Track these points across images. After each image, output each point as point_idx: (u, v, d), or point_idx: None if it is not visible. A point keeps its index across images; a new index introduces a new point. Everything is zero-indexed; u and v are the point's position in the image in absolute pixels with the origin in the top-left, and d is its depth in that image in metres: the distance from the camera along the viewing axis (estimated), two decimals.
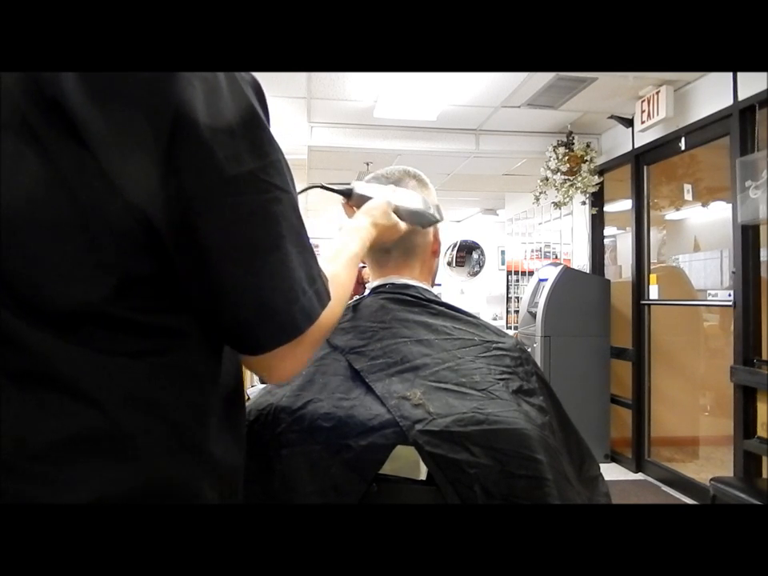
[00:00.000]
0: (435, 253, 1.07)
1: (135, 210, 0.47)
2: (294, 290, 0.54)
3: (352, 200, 0.97)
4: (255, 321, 0.53)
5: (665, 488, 3.59)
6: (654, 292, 3.79)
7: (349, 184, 0.99)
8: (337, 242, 0.81)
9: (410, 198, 0.97)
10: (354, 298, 1.05)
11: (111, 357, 0.48)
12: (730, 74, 3.00)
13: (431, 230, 1.04)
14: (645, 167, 3.88)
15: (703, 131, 3.28)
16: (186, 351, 0.53)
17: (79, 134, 0.45)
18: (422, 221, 0.99)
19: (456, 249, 7.87)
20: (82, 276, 0.47)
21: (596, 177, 4.04)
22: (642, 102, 3.51)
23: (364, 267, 1.20)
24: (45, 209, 0.45)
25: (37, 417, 0.46)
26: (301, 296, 0.55)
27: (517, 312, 5.61)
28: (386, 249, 1.02)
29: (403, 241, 1.00)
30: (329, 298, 0.60)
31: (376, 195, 0.94)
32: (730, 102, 3.02)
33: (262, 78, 0.56)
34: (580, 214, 4.62)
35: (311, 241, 0.60)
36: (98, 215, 0.46)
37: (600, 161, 4.19)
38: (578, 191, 4.06)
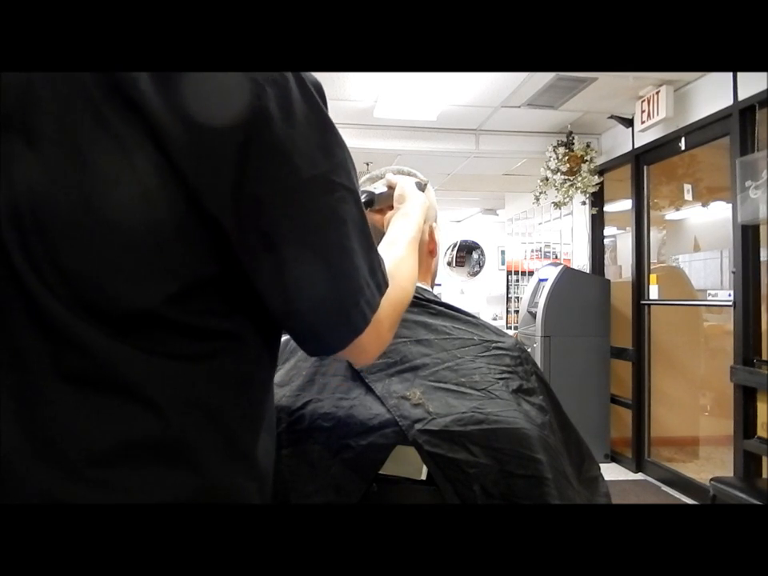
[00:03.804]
0: (432, 252, 1.07)
1: (207, 216, 0.47)
2: (361, 286, 0.56)
3: (377, 204, 0.96)
4: (329, 322, 0.55)
5: (665, 488, 3.59)
6: (654, 292, 3.79)
7: (363, 194, 0.98)
8: (393, 229, 0.82)
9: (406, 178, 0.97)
10: None
11: (170, 360, 0.48)
12: (730, 74, 3.00)
13: (426, 229, 1.04)
14: (645, 167, 3.88)
15: (703, 131, 3.28)
16: (242, 356, 0.53)
17: (157, 137, 0.45)
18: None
19: (456, 249, 7.87)
20: (147, 279, 0.47)
21: (596, 177, 4.04)
22: (642, 101, 3.51)
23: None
24: (116, 209, 0.45)
25: (95, 420, 0.46)
26: (365, 290, 0.56)
27: (517, 312, 5.61)
28: None
29: None
30: (386, 285, 0.61)
31: (393, 187, 0.93)
32: (730, 102, 3.02)
33: None
34: (580, 213, 4.62)
35: None
36: (169, 219, 0.46)
37: (600, 161, 4.19)
38: (578, 191, 4.06)
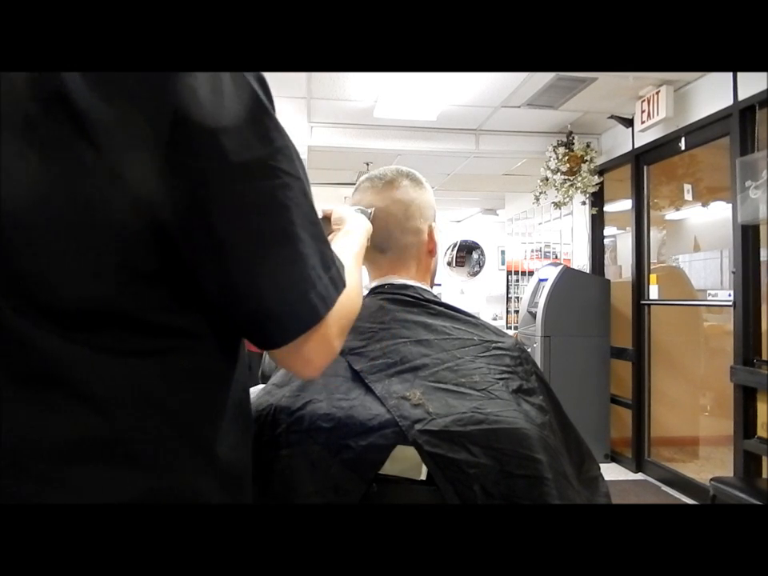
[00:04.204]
0: (431, 252, 1.07)
1: (141, 206, 0.46)
2: (310, 276, 0.54)
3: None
4: (272, 312, 0.53)
5: (665, 488, 3.59)
6: (654, 292, 3.79)
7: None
8: (336, 245, 0.80)
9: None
10: None
11: (119, 357, 0.47)
12: (730, 73, 3.00)
13: (425, 229, 1.04)
14: (645, 167, 3.88)
15: (703, 131, 3.28)
16: (197, 352, 0.52)
17: (84, 130, 0.44)
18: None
19: (456, 249, 7.87)
20: (88, 274, 0.46)
21: (596, 177, 4.04)
22: (642, 101, 3.51)
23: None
24: (48, 207, 0.45)
25: (43, 419, 0.45)
26: (317, 282, 0.54)
27: (517, 312, 5.61)
28: (381, 249, 1.03)
29: (396, 240, 1.02)
30: (344, 284, 0.59)
31: (328, 215, 0.94)
32: (730, 101, 3.02)
33: None
34: (580, 213, 4.62)
35: None
36: (103, 212, 0.46)
37: (600, 161, 4.19)
38: (578, 191, 4.06)
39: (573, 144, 4.03)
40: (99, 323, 0.47)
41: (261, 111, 0.51)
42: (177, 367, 0.51)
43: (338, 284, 0.58)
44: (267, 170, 0.51)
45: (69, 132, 0.45)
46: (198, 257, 0.50)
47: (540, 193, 4.24)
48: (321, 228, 0.57)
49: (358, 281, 0.71)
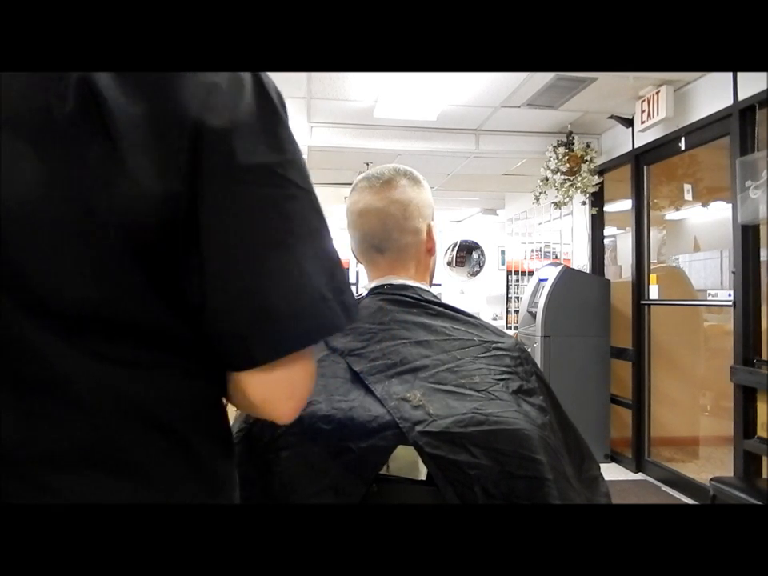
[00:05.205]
0: (430, 251, 1.07)
1: (150, 207, 0.45)
2: (306, 294, 0.50)
3: None
4: (250, 326, 0.48)
5: (665, 488, 3.58)
6: (654, 292, 3.79)
7: None
8: None
9: None
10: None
11: (109, 364, 0.47)
12: (730, 73, 3.00)
13: (424, 228, 1.04)
14: (645, 167, 3.88)
15: (703, 131, 3.28)
16: (188, 366, 0.51)
17: (106, 128, 0.43)
18: None
19: (456, 249, 7.88)
20: (83, 276, 0.45)
21: (596, 177, 4.04)
22: (642, 101, 3.51)
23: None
24: (55, 206, 0.44)
25: (34, 423, 0.45)
26: (319, 302, 0.50)
27: (517, 312, 5.60)
28: (380, 249, 1.02)
29: (395, 241, 1.01)
30: (353, 318, 0.54)
31: None
32: (730, 101, 3.02)
33: None
34: (580, 213, 4.62)
35: None
36: (112, 213, 0.45)
37: (600, 161, 4.19)
38: (578, 191, 4.06)
39: (573, 144, 4.03)
40: (90, 327, 0.46)
41: (277, 121, 0.51)
42: (164, 375, 0.50)
43: (351, 312, 0.53)
44: (274, 177, 0.49)
45: (89, 130, 0.44)
46: (187, 260, 0.48)
47: (540, 193, 4.24)
48: (334, 250, 0.53)
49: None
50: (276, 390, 0.53)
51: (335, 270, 0.53)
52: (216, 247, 0.47)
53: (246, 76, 0.50)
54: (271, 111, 0.50)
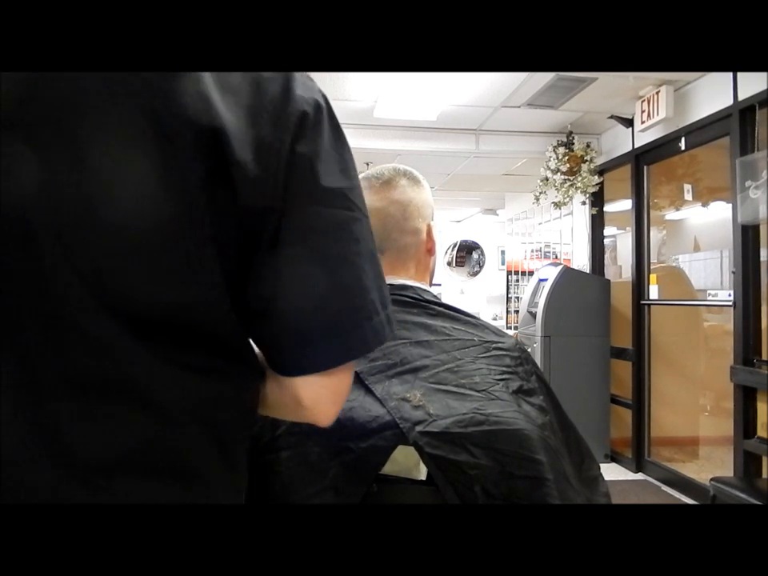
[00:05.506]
0: (430, 251, 1.07)
1: (237, 221, 0.48)
2: (368, 309, 0.54)
3: None
4: (321, 333, 0.52)
5: (665, 488, 3.59)
6: (653, 292, 3.79)
7: None
8: None
9: None
10: None
11: (179, 369, 0.48)
12: (730, 74, 3.00)
13: (423, 228, 1.04)
14: (645, 167, 3.88)
15: (703, 131, 3.28)
16: (234, 367, 0.53)
17: (223, 151, 0.46)
18: None
19: (456, 249, 7.88)
20: (171, 283, 0.47)
21: (596, 177, 4.04)
22: (642, 101, 3.51)
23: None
24: (148, 216, 0.45)
25: (101, 425, 0.46)
26: (374, 315, 0.54)
27: (517, 312, 5.61)
28: (380, 249, 1.02)
29: (395, 241, 1.01)
30: (394, 330, 0.58)
31: None
32: (730, 101, 3.02)
33: None
34: (580, 213, 4.63)
35: None
36: (200, 225, 0.46)
37: (600, 161, 4.19)
38: (578, 191, 4.06)
39: (573, 144, 4.03)
40: (173, 334, 0.48)
41: (347, 149, 0.55)
42: (228, 385, 0.52)
43: (393, 325, 0.58)
44: (346, 201, 0.53)
45: (205, 152, 0.46)
46: (260, 267, 0.50)
47: (540, 193, 4.24)
48: (381, 270, 0.58)
49: None
50: (326, 394, 0.56)
51: (383, 287, 0.58)
52: (295, 259, 0.51)
53: (323, 104, 0.54)
54: (343, 139, 0.55)
